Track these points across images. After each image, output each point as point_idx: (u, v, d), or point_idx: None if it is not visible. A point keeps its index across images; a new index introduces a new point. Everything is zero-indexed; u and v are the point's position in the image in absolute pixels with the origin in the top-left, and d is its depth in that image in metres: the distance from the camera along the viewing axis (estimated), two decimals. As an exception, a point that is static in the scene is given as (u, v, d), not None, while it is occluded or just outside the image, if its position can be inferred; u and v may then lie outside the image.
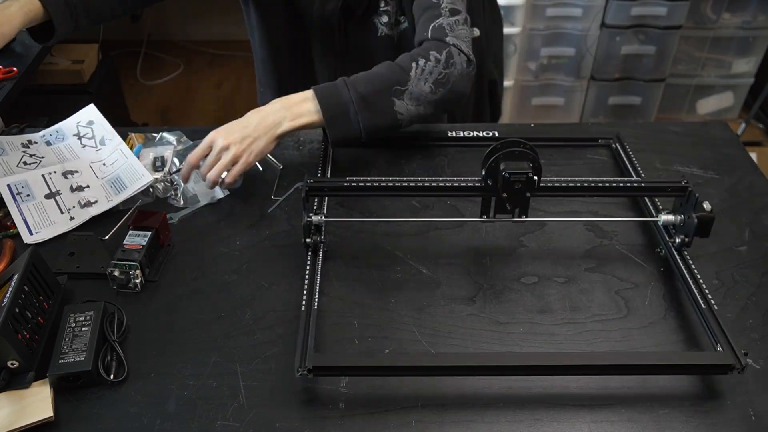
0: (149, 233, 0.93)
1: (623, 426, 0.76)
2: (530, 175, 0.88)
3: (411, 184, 0.93)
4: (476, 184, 0.92)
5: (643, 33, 2.33)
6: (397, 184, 0.93)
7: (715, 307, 0.84)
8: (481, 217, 0.93)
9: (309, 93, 1.02)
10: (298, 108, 1.01)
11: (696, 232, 0.90)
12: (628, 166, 1.11)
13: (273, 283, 0.93)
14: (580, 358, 0.80)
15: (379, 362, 0.80)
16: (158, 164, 1.12)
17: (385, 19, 1.18)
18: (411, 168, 1.14)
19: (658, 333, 0.87)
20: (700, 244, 0.99)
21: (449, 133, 1.18)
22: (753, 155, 1.23)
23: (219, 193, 1.06)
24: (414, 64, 1.03)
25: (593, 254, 0.98)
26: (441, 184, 0.93)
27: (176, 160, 1.10)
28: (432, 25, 1.07)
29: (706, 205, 0.89)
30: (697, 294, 0.87)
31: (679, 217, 0.94)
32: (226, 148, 0.99)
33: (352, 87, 1.01)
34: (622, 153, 1.15)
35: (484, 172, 0.90)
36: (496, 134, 1.18)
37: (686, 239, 0.93)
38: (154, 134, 1.19)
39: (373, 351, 0.84)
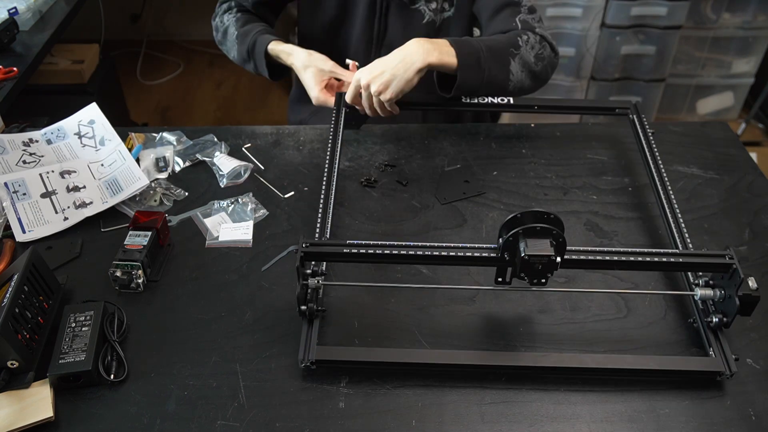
0: (150, 233, 0.93)
1: (623, 426, 0.76)
2: (552, 257, 0.76)
3: (419, 252, 0.81)
4: (492, 255, 0.80)
5: (643, 33, 2.33)
6: (403, 252, 0.81)
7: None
8: (496, 281, 0.83)
9: (444, 39, 1.09)
10: (441, 48, 1.08)
11: (738, 312, 0.79)
12: (643, 142, 1.09)
13: (273, 283, 0.93)
14: (561, 360, 0.80)
15: (380, 357, 0.80)
16: (161, 165, 1.12)
17: (433, 5, 1.24)
18: (411, 167, 1.14)
19: (658, 333, 0.87)
20: (699, 244, 0.99)
21: (463, 99, 1.16)
22: (753, 155, 1.23)
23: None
24: (519, 38, 1.14)
25: (593, 254, 0.98)
26: (452, 253, 0.81)
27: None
28: (517, 18, 1.18)
29: (752, 283, 0.78)
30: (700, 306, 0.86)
31: (718, 293, 0.83)
32: (367, 87, 1.08)
33: (479, 40, 1.11)
34: (638, 125, 1.13)
35: (501, 242, 0.78)
36: (511, 101, 1.16)
37: (725, 319, 0.82)
38: (154, 134, 1.19)
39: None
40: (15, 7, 1.52)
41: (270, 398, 0.78)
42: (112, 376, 0.79)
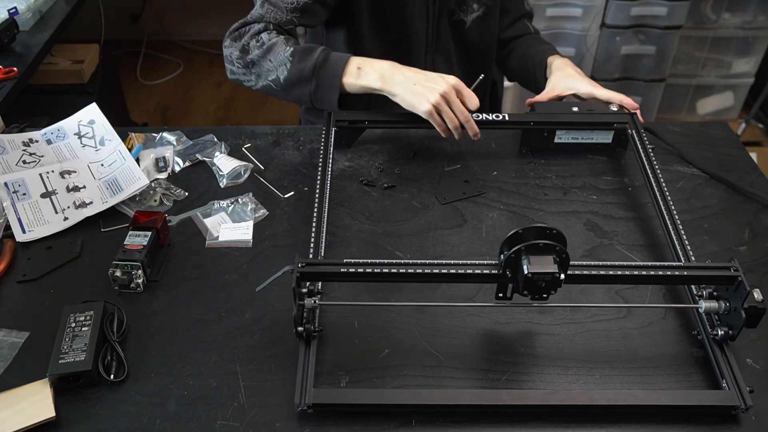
0: (150, 233, 0.93)
1: (623, 427, 0.76)
2: (557, 275, 0.75)
3: (418, 271, 0.79)
4: (493, 272, 0.79)
5: (643, 33, 2.33)
6: (402, 270, 0.79)
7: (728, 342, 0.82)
8: (496, 297, 0.82)
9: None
10: None
11: (744, 324, 0.78)
12: (644, 159, 1.06)
13: (273, 283, 0.92)
14: (573, 398, 0.77)
15: (380, 399, 0.78)
16: (161, 165, 1.12)
17: (465, 6, 1.27)
18: (411, 168, 1.14)
19: (658, 333, 0.87)
20: (699, 244, 0.99)
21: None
22: (753, 155, 1.23)
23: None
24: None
25: (593, 254, 0.98)
26: (452, 271, 0.80)
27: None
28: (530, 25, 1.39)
29: (757, 294, 0.77)
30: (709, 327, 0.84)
31: (723, 305, 0.82)
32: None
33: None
34: (638, 142, 1.10)
35: (503, 259, 0.77)
36: (506, 117, 1.13)
37: (731, 332, 0.80)
38: (153, 134, 1.19)
39: (373, 351, 0.84)
40: (15, 7, 1.52)
41: (270, 398, 0.78)
42: (112, 376, 0.79)
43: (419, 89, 1.03)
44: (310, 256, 0.91)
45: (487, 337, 0.86)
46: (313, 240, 0.93)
